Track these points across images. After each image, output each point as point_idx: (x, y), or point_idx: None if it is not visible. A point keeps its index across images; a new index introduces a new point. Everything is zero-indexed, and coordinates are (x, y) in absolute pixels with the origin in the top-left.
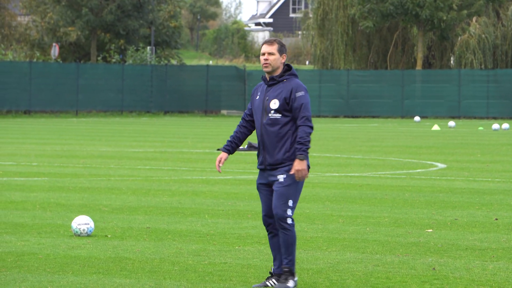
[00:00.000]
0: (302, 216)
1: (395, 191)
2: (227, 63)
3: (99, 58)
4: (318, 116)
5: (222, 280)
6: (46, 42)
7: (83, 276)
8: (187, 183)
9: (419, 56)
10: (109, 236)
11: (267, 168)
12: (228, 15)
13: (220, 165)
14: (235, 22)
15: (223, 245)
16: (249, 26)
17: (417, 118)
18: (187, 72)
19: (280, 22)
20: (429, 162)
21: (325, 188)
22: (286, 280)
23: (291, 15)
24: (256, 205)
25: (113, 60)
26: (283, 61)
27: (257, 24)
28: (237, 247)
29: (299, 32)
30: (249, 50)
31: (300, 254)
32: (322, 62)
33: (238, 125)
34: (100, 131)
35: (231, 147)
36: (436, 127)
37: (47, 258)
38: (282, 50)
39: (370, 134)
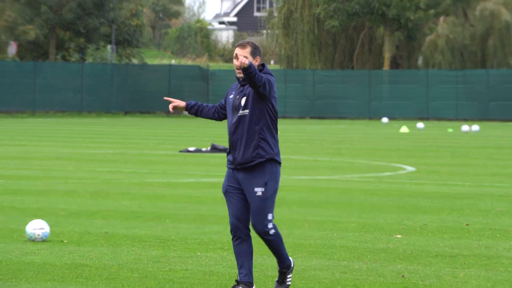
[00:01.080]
0: None
1: (363, 195)
2: (190, 62)
3: (58, 57)
4: (284, 117)
5: (183, 287)
6: (3, 40)
7: (37, 284)
8: (148, 186)
9: (386, 56)
10: (65, 241)
11: (237, 167)
12: (191, 13)
13: (174, 104)
14: (198, 20)
15: (184, 251)
16: (213, 25)
17: (385, 120)
18: (148, 71)
19: (245, 21)
20: (398, 165)
21: (291, 192)
22: (286, 276)
23: (256, 14)
24: (220, 209)
25: (73, 59)
26: (257, 63)
27: (221, 23)
28: (199, 253)
29: (264, 31)
30: (212, 50)
31: (265, 260)
32: (287, 62)
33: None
34: (58, 132)
35: (193, 104)
36: (404, 129)
37: None
38: (255, 52)
39: (338, 136)
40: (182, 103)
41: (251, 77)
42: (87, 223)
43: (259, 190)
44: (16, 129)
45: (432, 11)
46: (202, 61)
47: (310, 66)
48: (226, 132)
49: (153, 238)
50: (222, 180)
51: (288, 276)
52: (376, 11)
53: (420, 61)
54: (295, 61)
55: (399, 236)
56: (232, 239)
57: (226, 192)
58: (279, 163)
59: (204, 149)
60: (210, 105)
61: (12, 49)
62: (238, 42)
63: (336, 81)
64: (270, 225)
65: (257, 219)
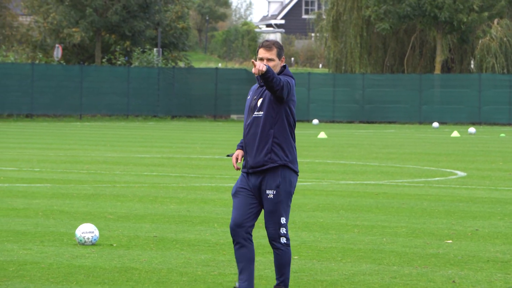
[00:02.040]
0: (316, 226)
1: (413, 200)
2: (236, 66)
3: (103, 60)
4: (332, 122)
5: None
6: (48, 44)
7: (87, 287)
8: (196, 191)
9: (438, 59)
10: (114, 245)
11: (249, 171)
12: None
13: (239, 160)
14: (245, 23)
15: (233, 255)
16: (260, 28)
17: (435, 124)
18: (195, 75)
19: (292, 23)
20: (448, 170)
21: (340, 197)
22: None
23: (304, 16)
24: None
25: (118, 62)
26: (282, 64)
27: (268, 25)
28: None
29: (312, 34)
30: None
31: (314, 265)
32: (336, 66)
33: None
34: (105, 136)
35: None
36: (455, 134)
37: (50, 268)
38: (280, 53)
39: (387, 140)
40: (240, 153)
41: (268, 82)
42: (136, 227)
43: (270, 193)
44: (63, 133)
45: (485, 14)
46: (249, 64)
47: (360, 70)
48: None
49: (202, 242)
50: None
51: None
52: (428, 13)
53: (472, 65)
54: (344, 65)
55: (449, 241)
56: (233, 243)
57: (234, 194)
58: (295, 171)
59: None
60: None
61: (57, 52)
62: (263, 43)
63: (386, 85)
64: (283, 230)
65: (269, 222)
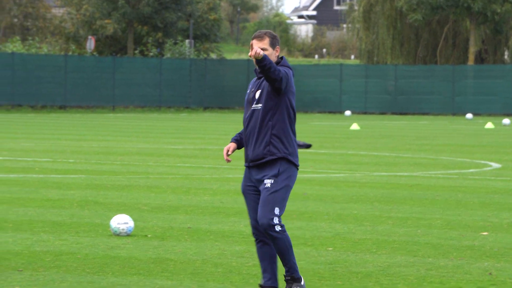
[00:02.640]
0: (349, 217)
1: (447, 191)
2: None
3: (136, 52)
4: (365, 113)
5: None
6: (81, 35)
7: (123, 277)
8: (229, 182)
9: (471, 50)
10: (149, 236)
11: (250, 165)
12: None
13: (229, 153)
14: (277, 14)
15: None
16: (292, 19)
17: (469, 116)
18: (227, 66)
19: (324, 14)
20: (482, 162)
21: (373, 188)
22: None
23: (336, 7)
24: (302, 205)
25: (151, 54)
26: (277, 54)
27: (300, 16)
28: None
29: (344, 25)
30: (291, 44)
31: (349, 256)
32: (368, 57)
33: None
34: (138, 127)
35: (239, 138)
36: (489, 125)
37: (86, 258)
38: (274, 43)
39: (420, 131)
40: (232, 146)
41: (265, 70)
42: (170, 218)
43: (268, 182)
44: (97, 124)
45: None
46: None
47: (391, 61)
48: (306, 129)
49: (236, 233)
50: (299, 176)
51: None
52: (461, 4)
53: (506, 56)
54: (375, 56)
55: (485, 233)
56: (255, 241)
57: (243, 192)
58: (295, 164)
59: None
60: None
61: (90, 44)
62: (255, 34)
63: (419, 76)
64: (276, 220)
65: (262, 211)
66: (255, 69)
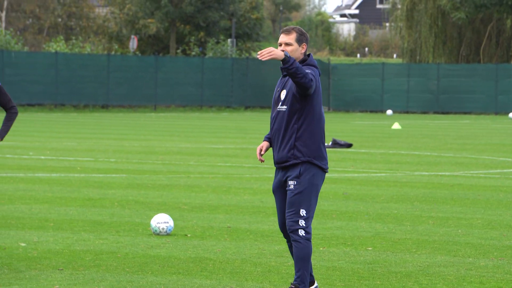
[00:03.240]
0: (389, 217)
1: (488, 191)
2: None
3: (178, 51)
4: (406, 112)
5: None
6: (124, 35)
7: (162, 276)
8: (269, 181)
9: None
10: (189, 235)
11: (276, 166)
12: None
13: (262, 153)
14: (319, 13)
15: None
16: (334, 18)
17: None
18: (268, 65)
19: (367, 13)
20: None
21: (414, 188)
22: None
23: (378, 6)
24: (342, 205)
25: (193, 53)
26: (303, 51)
27: (342, 15)
28: (321, 248)
29: (387, 24)
30: (333, 43)
31: (388, 256)
32: (410, 55)
33: None
34: (179, 127)
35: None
36: None
37: (125, 257)
38: (301, 39)
39: (462, 131)
40: (265, 145)
41: (291, 75)
42: (210, 217)
43: (291, 183)
44: (138, 123)
45: None
46: (323, 55)
47: (434, 60)
48: (347, 128)
49: (276, 233)
50: (339, 176)
51: None
52: (505, 1)
53: None
54: (418, 55)
55: None
56: (286, 242)
57: (274, 192)
58: (321, 168)
59: (325, 143)
60: None
61: (133, 43)
62: (283, 28)
63: (461, 75)
64: (301, 223)
65: (288, 213)
66: (281, 67)
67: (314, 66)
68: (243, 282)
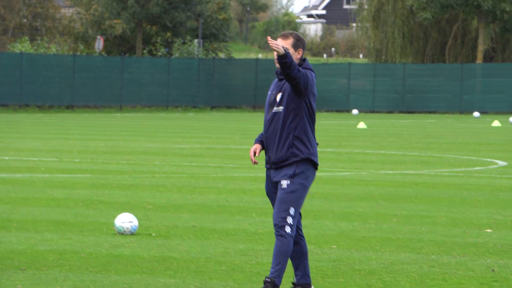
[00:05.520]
0: (354, 215)
1: (452, 189)
2: None
3: (144, 52)
4: (372, 112)
5: None
6: (90, 35)
7: (126, 276)
8: (234, 181)
9: (480, 49)
10: (153, 234)
11: (272, 167)
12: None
13: (257, 154)
14: (286, 14)
15: (271, 245)
16: (301, 18)
17: (476, 114)
18: (235, 66)
19: (334, 14)
20: (489, 160)
21: (379, 186)
22: None
23: (345, 6)
24: (307, 204)
25: (159, 54)
26: (298, 56)
27: (309, 16)
28: None
29: (353, 24)
30: None
31: (352, 254)
32: (376, 55)
33: None
34: (145, 127)
35: (262, 138)
36: (496, 123)
37: (89, 257)
38: (297, 44)
39: (427, 130)
40: (259, 147)
41: (285, 68)
42: (174, 216)
43: (284, 183)
44: (104, 124)
45: None
46: None
47: (400, 60)
48: (315, 127)
49: (240, 232)
50: None
51: None
52: (470, 2)
53: None
54: (384, 55)
55: (489, 230)
56: None
57: (268, 194)
58: (315, 165)
59: None
60: None
61: (99, 44)
62: (281, 33)
63: (427, 75)
64: (289, 220)
65: (278, 209)
66: (276, 70)
67: (310, 69)
68: (207, 281)
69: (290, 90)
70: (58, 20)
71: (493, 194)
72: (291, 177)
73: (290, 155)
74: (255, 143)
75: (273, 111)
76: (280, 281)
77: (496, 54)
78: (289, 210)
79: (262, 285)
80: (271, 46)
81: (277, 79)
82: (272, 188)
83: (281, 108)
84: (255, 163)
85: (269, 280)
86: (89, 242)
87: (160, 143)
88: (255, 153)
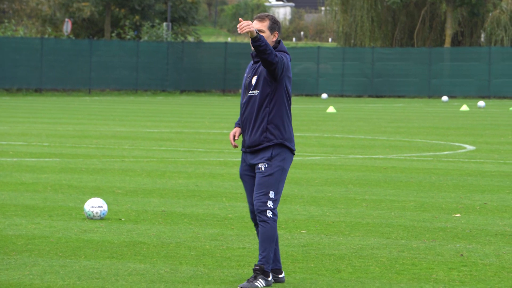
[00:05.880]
0: (324, 200)
1: (421, 174)
2: (246, 40)
3: (113, 35)
4: (341, 96)
5: (240, 265)
6: (58, 18)
7: (96, 261)
8: (204, 165)
9: (448, 33)
10: (123, 219)
11: (247, 150)
12: None
13: (236, 138)
14: None
15: (241, 230)
16: (270, 2)
17: (445, 98)
18: (204, 49)
19: None
20: (457, 144)
21: (348, 171)
22: (255, 279)
23: None
24: None
25: (128, 37)
26: (274, 39)
27: None
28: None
29: (322, 8)
30: None
31: (322, 239)
32: (345, 39)
33: None
34: (114, 111)
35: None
36: (465, 107)
37: (58, 242)
38: (273, 27)
39: (396, 114)
40: (238, 131)
41: (260, 51)
42: (144, 201)
43: (261, 166)
44: (72, 107)
45: None
46: None
47: (369, 44)
48: None
49: (210, 217)
50: None
51: (258, 282)
52: None
53: (482, 38)
54: (353, 39)
55: (458, 215)
56: (254, 225)
57: (241, 177)
58: (290, 149)
59: None
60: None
61: (67, 26)
62: (257, 15)
63: (396, 59)
64: (270, 204)
65: (257, 193)
66: (252, 53)
67: (285, 52)
68: (178, 266)
69: (265, 74)
70: (25, 2)
71: (462, 179)
72: (268, 159)
73: (263, 139)
74: (235, 126)
75: (249, 94)
76: (269, 267)
77: (464, 38)
78: (268, 193)
79: (233, 270)
80: (242, 28)
81: (252, 62)
82: (245, 171)
83: (256, 91)
84: (235, 146)
85: (258, 267)
86: (58, 227)
87: (129, 127)
88: (234, 136)
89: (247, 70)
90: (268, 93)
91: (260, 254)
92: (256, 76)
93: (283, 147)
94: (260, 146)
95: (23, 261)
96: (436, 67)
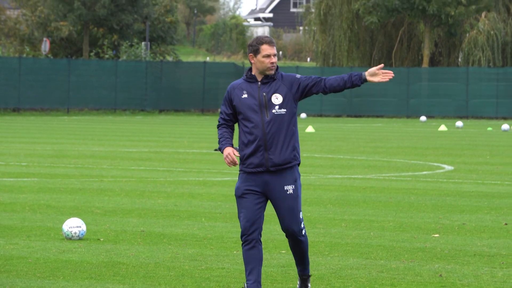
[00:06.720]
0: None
1: (400, 194)
2: (225, 59)
3: (91, 54)
4: (320, 116)
5: (220, 286)
6: (36, 37)
7: (74, 281)
8: (183, 185)
9: (426, 53)
10: (101, 239)
11: (270, 169)
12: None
13: (236, 154)
14: (234, 17)
15: (221, 250)
16: (248, 21)
17: (423, 118)
18: (183, 69)
19: (281, 17)
20: (435, 164)
21: (327, 191)
22: (307, 284)
23: (292, 9)
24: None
25: (106, 56)
26: None
27: (257, 19)
28: (235, 252)
29: (301, 28)
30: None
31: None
32: (323, 59)
33: (223, 128)
34: (92, 130)
35: (231, 142)
36: (443, 128)
37: (37, 262)
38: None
39: (374, 134)
40: (233, 149)
41: (351, 87)
42: (123, 221)
43: (290, 188)
44: (50, 127)
45: (473, 7)
46: (237, 58)
47: (347, 64)
48: None
49: (189, 237)
50: None
51: (309, 285)
52: (416, 6)
53: (460, 58)
54: (331, 58)
55: (436, 235)
56: (243, 244)
57: (242, 196)
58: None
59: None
60: (223, 129)
61: (45, 46)
62: (264, 39)
63: None
64: (302, 224)
65: (291, 218)
66: (252, 74)
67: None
68: (157, 286)
69: (291, 94)
70: (3, 21)
71: (440, 199)
72: (294, 181)
73: (293, 158)
74: (226, 146)
75: (275, 113)
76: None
77: (442, 58)
78: (299, 215)
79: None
80: (387, 78)
81: (246, 83)
82: (250, 190)
83: (283, 111)
84: (236, 164)
85: (305, 276)
86: (36, 247)
87: (108, 147)
88: (235, 153)
89: (243, 91)
90: (294, 113)
91: (302, 265)
92: (279, 95)
93: (298, 166)
94: (289, 165)
95: (1, 282)
96: (414, 87)
